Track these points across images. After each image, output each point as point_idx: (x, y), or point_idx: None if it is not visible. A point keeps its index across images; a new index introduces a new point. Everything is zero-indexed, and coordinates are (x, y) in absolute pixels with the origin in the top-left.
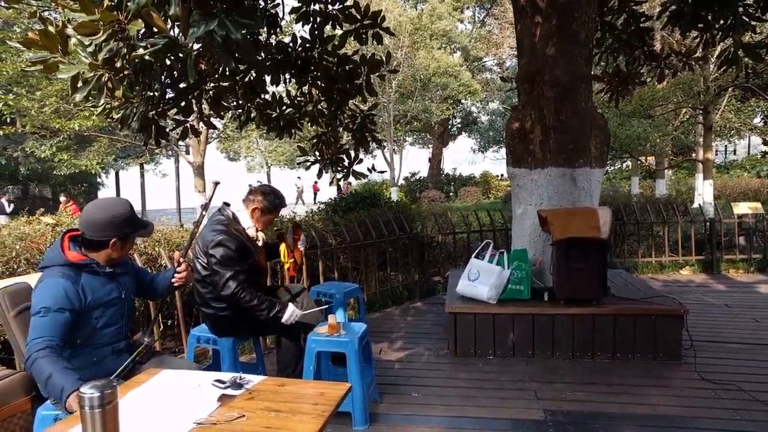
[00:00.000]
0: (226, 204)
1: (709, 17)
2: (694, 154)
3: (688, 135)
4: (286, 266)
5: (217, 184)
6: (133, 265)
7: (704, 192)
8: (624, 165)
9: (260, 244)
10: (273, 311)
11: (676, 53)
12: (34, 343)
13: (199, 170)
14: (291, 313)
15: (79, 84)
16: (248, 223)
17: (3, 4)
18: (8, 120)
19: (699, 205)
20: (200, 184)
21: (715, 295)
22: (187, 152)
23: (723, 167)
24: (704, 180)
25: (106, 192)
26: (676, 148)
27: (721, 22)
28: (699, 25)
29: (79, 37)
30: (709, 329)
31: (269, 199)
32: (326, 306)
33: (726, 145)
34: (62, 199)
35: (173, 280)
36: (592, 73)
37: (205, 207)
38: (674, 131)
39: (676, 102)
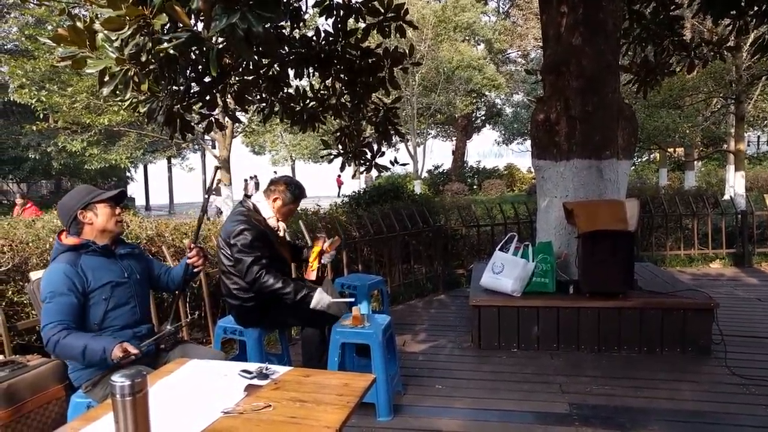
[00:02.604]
0: (247, 196)
1: (743, 3)
2: (725, 145)
3: (719, 125)
4: (311, 268)
5: (217, 168)
6: (144, 254)
7: (735, 184)
8: (651, 156)
9: (281, 234)
10: (300, 294)
11: (707, 43)
12: (48, 328)
13: (225, 164)
14: (319, 299)
15: (107, 78)
16: (269, 214)
17: (34, 2)
18: (41, 116)
19: (730, 197)
20: (226, 178)
21: (747, 288)
22: (213, 146)
23: (755, 158)
24: (736, 171)
25: (135, 186)
26: (706, 138)
27: (755, 8)
28: (732, 12)
29: (106, 32)
30: (741, 323)
31: (291, 190)
32: (351, 300)
33: (759, 136)
34: (18, 201)
35: (189, 262)
36: (620, 63)
37: (208, 191)
38: (704, 122)
39: (707, 92)
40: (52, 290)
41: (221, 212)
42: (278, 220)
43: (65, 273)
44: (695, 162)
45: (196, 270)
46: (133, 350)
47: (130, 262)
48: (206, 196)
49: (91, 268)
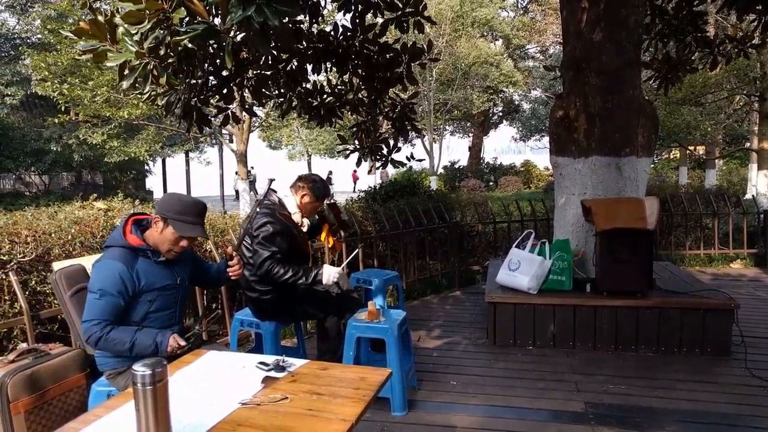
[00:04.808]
0: (273, 190)
1: None
2: (747, 144)
3: (742, 123)
4: (330, 244)
5: (272, 180)
6: (193, 253)
7: (758, 183)
8: (671, 154)
9: (305, 230)
10: (311, 276)
11: (730, 39)
12: (91, 325)
13: (242, 158)
14: (329, 273)
15: (126, 72)
16: (294, 209)
17: None
18: (63, 109)
19: (752, 196)
20: (243, 172)
21: None
22: (231, 141)
23: None
24: (758, 170)
25: (153, 179)
26: (728, 136)
27: None
28: (757, 7)
29: (126, 26)
30: (762, 325)
31: (318, 187)
32: (354, 254)
33: None
34: None
35: (229, 271)
36: (641, 59)
37: (260, 203)
38: (727, 119)
39: (730, 89)
40: (102, 288)
41: (238, 197)
42: (302, 216)
43: (120, 274)
44: (716, 160)
45: (233, 277)
46: (182, 342)
47: (182, 266)
48: (257, 209)
49: (146, 273)
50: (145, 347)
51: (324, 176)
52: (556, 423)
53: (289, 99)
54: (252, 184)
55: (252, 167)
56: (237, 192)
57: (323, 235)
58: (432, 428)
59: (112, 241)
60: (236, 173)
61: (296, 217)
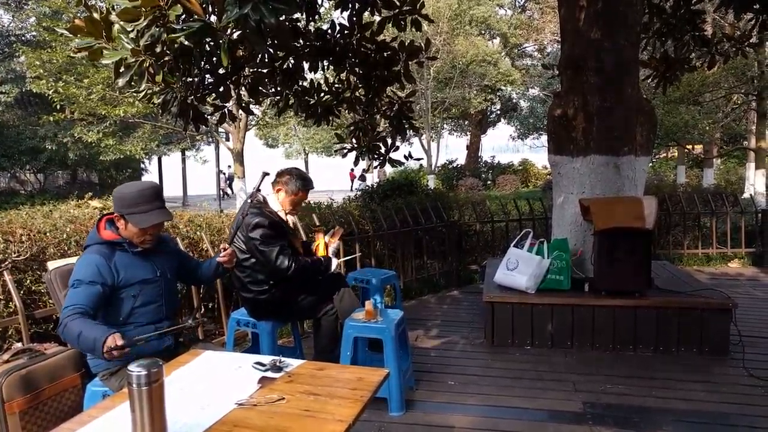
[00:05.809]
0: (259, 189)
1: None
2: (745, 143)
3: (740, 122)
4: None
5: (265, 174)
6: (177, 248)
7: (756, 182)
8: (669, 153)
9: (291, 225)
10: (323, 266)
11: (728, 38)
12: (65, 311)
13: (239, 156)
14: (335, 263)
15: (122, 69)
16: (278, 206)
17: None
18: (58, 107)
19: (750, 195)
20: (239, 170)
21: (766, 289)
22: (227, 139)
23: None
24: (756, 169)
25: (149, 177)
26: (726, 135)
27: None
28: (754, 6)
29: (121, 23)
30: (760, 324)
31: (293, 181)
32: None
33: None
34: None
35: (219, 259)
36: (639, 58)
37: (251, 196)
38: (724, 118)
39: (728, 88)
40: (79, 278)
41: (227, 195)
42: (287, 213)
43: (97, 265)
44: (714, 159)
45: (225, 264)
46: (119, 341)
47: (164, 259)
48: (248, 201)
49: (124, 266)
50: (87, 341)
51: (358, 174)
52: (554, 423)
53: (286, 97)
54: (230, 182)
55: (229, 166)
56: (223, 192)
57: (320, 248)
58: (430, 428)
59: (89, 241)
60: (222, 172)
61: (282, 213)
